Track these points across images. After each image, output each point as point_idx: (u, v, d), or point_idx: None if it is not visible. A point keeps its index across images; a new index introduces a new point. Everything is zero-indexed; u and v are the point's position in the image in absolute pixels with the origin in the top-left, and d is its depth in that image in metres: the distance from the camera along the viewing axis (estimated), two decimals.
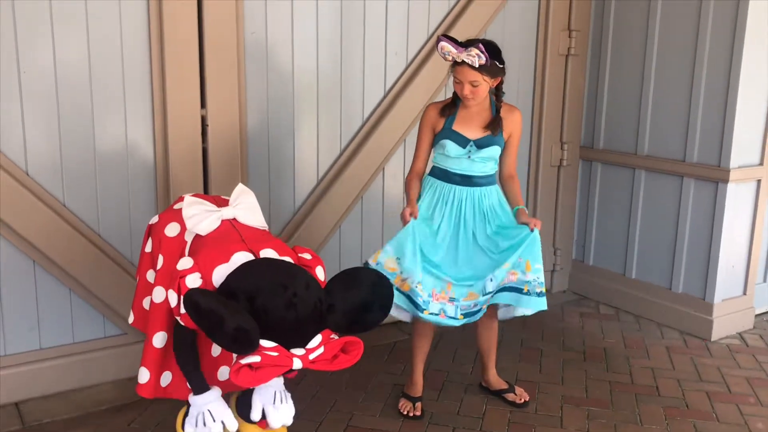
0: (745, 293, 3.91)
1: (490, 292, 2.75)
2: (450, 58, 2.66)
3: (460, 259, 2.80)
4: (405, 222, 2.75)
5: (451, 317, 2.75)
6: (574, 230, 4.45)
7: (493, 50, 2.64)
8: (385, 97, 3.62)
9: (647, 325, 3.97)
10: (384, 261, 2.75)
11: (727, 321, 3.82)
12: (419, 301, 2.71)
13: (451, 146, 2.76)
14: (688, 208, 3.82)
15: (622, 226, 4.18)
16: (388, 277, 2.64)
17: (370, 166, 3.63)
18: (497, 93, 2.79)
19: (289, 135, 3.39)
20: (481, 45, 2.60)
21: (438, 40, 2.66)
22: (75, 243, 2.92)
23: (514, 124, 2.84)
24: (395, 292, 2.67)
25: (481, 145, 2.77)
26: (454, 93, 2.78)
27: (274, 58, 3.27)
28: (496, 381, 3.12)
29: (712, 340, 3.76)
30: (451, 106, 2.80)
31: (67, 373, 3.01)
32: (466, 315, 2.77)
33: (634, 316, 4.10)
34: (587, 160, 4.33)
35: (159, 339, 2.22)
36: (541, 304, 2.74)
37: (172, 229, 2.31)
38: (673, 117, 3.85)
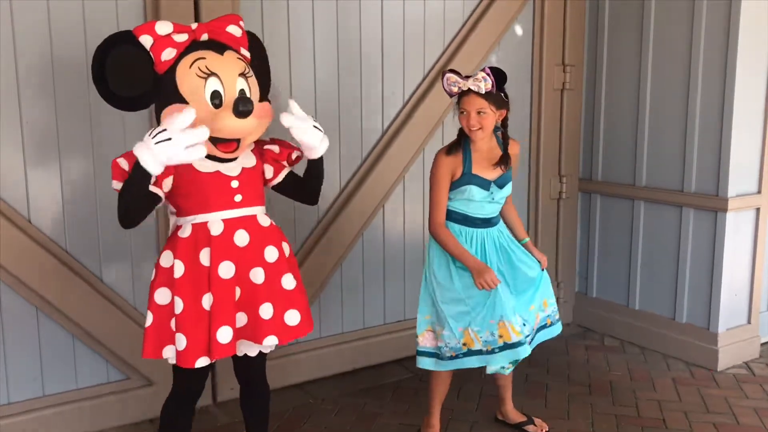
0: (749, 322, 3.89)
1: (528, 335, 2.81)
2: (456, 89, 2.64)
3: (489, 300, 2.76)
4: (490, 288, 2.65)
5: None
6: (576, 262, 4.45)
7: (498, 74, 2.62)
8: (383, 135, 3.66)
9: (653, 357, 3.95)
10: (456, 343, 2.73)
11: (732, 350, 3.80)
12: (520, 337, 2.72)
13: (475, 191, 2.71)
14: (688, 237, 3.83)
15: (623, 257, 4.18)
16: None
17: (371, 203, 3.66)
18: (504, 129, 2.76)
19: None
20: (486, 68, 2.61)
21: (443, 74, 2.67)
22: (77, 288, 2.94)
23: (516, 156, 2.87)
24: (479, 358, 2.73)
25: (500, 184, 2.75)
26: (459, 135, 2.74)
27: (273, 102, 3.30)
28: (515, 414, 3.12)
29: (719, 370, 3.74)
30: (464, 149, 2.72)
31: (70, 420, 3.00)
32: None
33: (639, 347, 4.08)
34: (586, 192, 4.36)
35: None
36: (559, 327, 2.99)
37: (165, 259, 2.25)
38: (669, 147, 3.88)
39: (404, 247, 3.82)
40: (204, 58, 2.17)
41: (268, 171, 2.42)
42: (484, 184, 2.72)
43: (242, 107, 2.12)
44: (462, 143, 2.73)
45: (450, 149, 2.72)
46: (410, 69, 3.68)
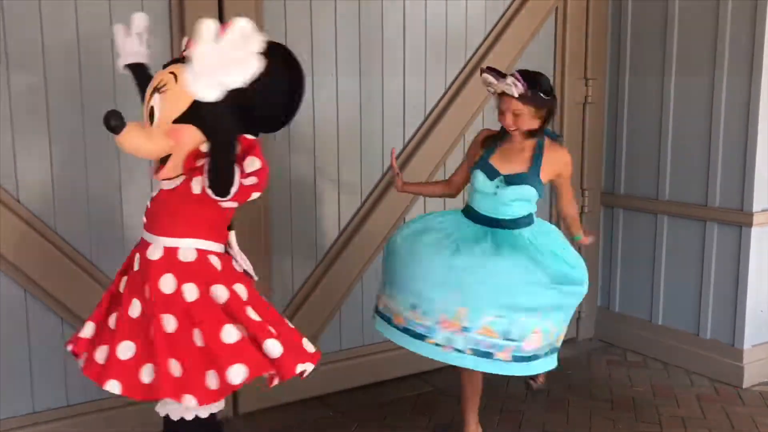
0: None
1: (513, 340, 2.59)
2: (492, 91, 2.65)
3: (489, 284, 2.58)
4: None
5: (458, 350, 2.57)
6: (598, 277, 4.42)
7: (530, 79, 2.57)
8: (404, 149, 3.67)
9: (676, 373, 3.90)
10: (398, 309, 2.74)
11: (758, 367, 3.74)
12: (420, 330, 2.61)
13: (480, 177, 2.68)
14: (712, 252, 3.79)
15: (646, 272, 4.14)
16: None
17: (392, 215, 3.66)
18: (541, 127, 2.67)
19: (310, 188, 3.44)
20: (516, 73, 2.58)
21: (480, 71, 2.68)
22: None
23: (558, 164, 2.75)
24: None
25: (511, 181, 2.64)
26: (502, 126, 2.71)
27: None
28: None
29: (744, 387, 3.68)
30: (496, 138, 2.73)
31: (94, 430, 3.01)
32: (478, 354, 2.57)
33: (662, 363, 4.03)
34: (609, 206, 4.33)
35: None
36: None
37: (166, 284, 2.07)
38: (693, 161, 3.85)
39: None
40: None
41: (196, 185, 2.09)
42: (492, 173, 2.67)
43: (105, 122, 1.96)
44: (502, 136, 2.73)
45: (488, 139, 2.76)
46: (431, 84, 3.69)
